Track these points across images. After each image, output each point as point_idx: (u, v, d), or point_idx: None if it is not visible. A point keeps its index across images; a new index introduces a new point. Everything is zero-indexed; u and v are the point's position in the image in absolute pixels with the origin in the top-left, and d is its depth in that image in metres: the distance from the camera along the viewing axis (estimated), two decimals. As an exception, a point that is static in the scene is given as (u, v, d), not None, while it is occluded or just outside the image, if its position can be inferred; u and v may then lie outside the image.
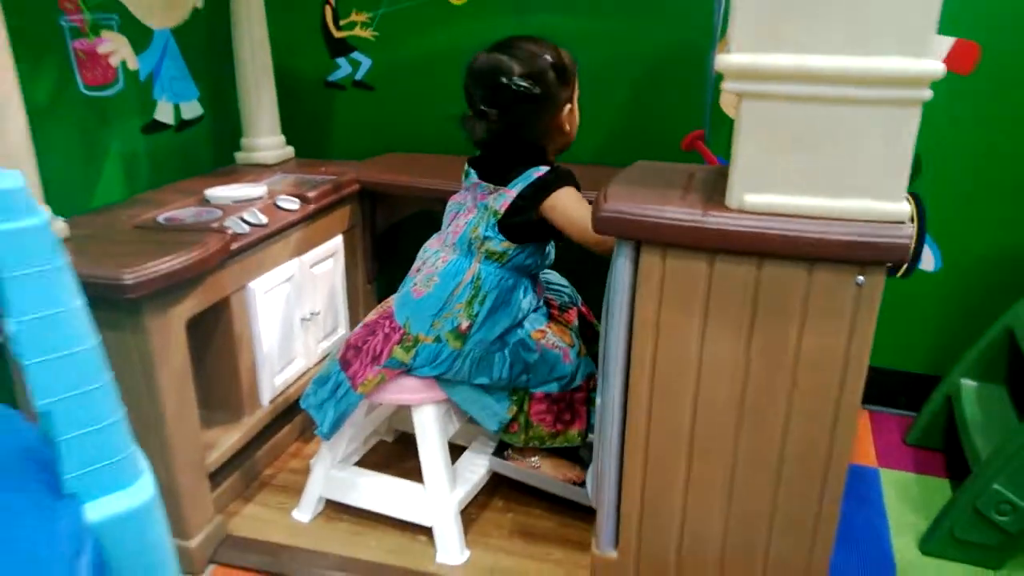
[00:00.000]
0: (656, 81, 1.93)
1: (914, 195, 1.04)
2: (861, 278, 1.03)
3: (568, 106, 1.50)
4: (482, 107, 1.44)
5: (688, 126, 1.84)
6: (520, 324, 1.52)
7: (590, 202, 1.25)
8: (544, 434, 1.54)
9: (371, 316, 1.59)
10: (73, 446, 0.83)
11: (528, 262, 1.51)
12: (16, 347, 0.79)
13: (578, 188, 1.47)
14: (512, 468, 1.63)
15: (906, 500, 1.73)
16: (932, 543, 1.55)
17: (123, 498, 0.87)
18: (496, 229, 1.46)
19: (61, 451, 0.82)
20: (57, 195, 1.70)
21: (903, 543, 1.59)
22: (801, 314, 1.07)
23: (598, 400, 1.25)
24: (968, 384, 1.83)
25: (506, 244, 1.47)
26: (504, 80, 1.41)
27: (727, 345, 1.11)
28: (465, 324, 1.47)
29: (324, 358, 1.92)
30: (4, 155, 1.30)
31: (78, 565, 0.79)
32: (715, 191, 1.14)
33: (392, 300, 1.59)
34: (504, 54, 1.43)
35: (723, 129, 1.83)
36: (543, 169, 1.46)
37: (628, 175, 1.27)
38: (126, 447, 0.88)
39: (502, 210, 1.46)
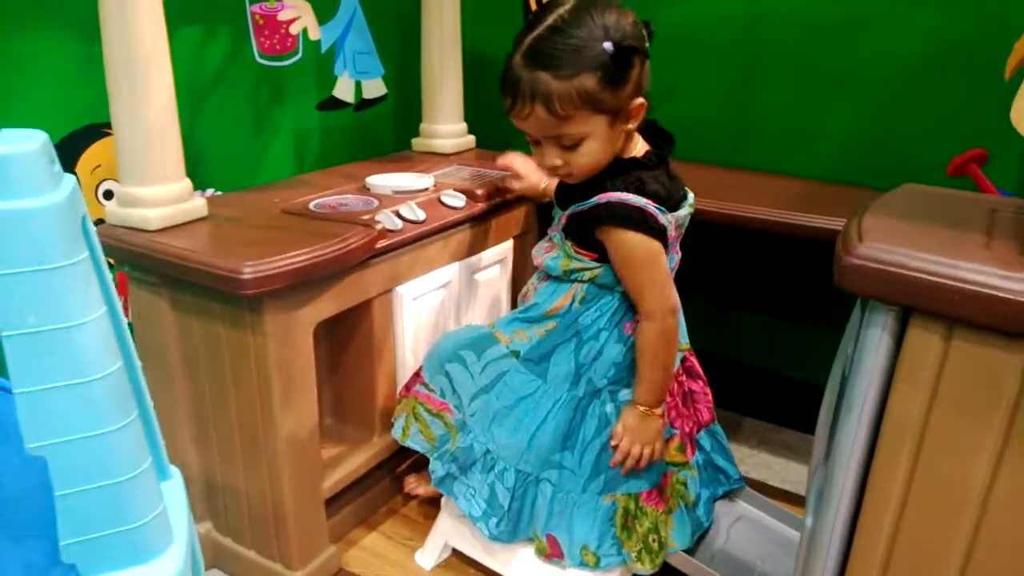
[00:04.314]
0: (923, 83, 1.49)
1: None
2: None
3: None
4: None
5: (954, 143, 1.41)
6: None
7: None
8: None
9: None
10: (73, 505, 0.61)
11: None
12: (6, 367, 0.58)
13: None
14: (691, 563, 1.29)
15: None
16: None
17: None
18: None
19: (58, 510, 0.61)
20: (220, 169, 1.58)
21: None
22: None
23: (807, 523, 0.88)
24: None
25: None
26: None
27: (1033, 484, 0.72)
28: None
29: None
30: (148, 123, 1.16)
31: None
32: (1036, 242, 0.75)
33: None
34: None
35: (1008, 153, 1.38)
36: None
37: (893, 204, 0.89)
38: (150, 508, 0.66)
39: None
